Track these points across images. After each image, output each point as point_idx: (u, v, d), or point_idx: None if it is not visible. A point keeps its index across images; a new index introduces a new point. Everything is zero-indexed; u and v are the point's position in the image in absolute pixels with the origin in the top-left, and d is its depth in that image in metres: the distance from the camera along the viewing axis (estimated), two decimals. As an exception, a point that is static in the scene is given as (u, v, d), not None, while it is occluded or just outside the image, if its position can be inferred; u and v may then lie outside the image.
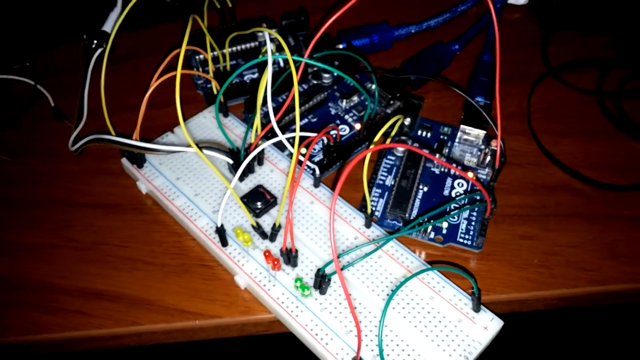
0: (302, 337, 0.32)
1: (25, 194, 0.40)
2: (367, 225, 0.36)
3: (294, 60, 0.33)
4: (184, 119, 0.42)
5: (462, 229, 0.37)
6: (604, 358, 0.70)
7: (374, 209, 0.38)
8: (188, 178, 0.39)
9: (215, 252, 0.36)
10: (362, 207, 0.38)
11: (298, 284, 0.32)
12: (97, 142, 0.37)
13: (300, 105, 0.43)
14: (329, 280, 0.32)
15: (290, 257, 0.33)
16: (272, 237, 0.35)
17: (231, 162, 0.37)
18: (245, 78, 0.46)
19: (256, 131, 0.38)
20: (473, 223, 0.37)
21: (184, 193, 0.38)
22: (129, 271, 0.36)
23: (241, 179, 0.38)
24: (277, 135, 0.36)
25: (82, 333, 0.34)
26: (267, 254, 0.33)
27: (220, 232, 0.34)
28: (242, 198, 0.37)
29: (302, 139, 0.39)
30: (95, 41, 0.48)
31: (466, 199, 0.38)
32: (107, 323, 0.34)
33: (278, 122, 0.36)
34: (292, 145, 0.38)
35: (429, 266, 0.34)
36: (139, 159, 0.39)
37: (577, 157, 0.41)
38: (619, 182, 0.40)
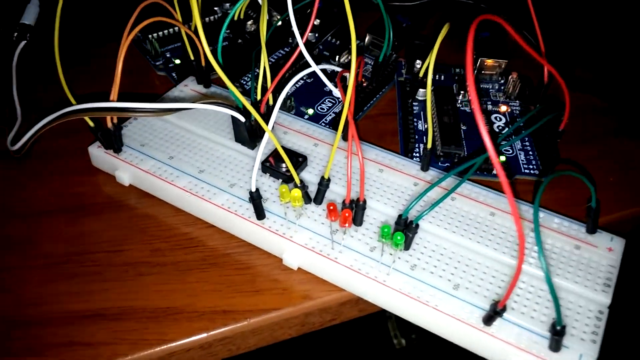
0: (399, 307, 0.25)
1: (-45, 214, 0.29)
2: (425, 167, 0.29)
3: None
4: (156, 97, 0.34)
5: (522, 160, 0.32)
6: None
7: (416, 154, 0.32)
8: (184, 155, 0.30)
9: (249, 230, 0.27)
10: (405, 152, 0.32)
11: (385, 230, 0.24)
12: (67, 117, 0.27)
13: (292, 66, 0.36)
14: (417, 226, 0.25)
15: (357, 211, 0.26)
16: (319, 196, 0.27)
17: (243, 119, 0.29)
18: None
19: (263, 81, 0.30)
20: (530, 152, 0.32)
21: (185, 172, 0.29)
22: (133, 278, 0.26)
23: (252, 145, 0.31)
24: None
25: (87, 370, 0.23)
26: (332, 207, 0.25)
27: (256, 199, 0.26)
28: (264, 162, 0.29)
29: (324, 71, 0.33)
30: (15, 34, 0.38)
31: (512, 130, 0.33)
32: (120, 349, 0.24)
33: (282, 79, 0.29)
34: (327, 78, 0.31)
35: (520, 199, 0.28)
36: (116, 142, 0.30)
37: (594, 83, 0.38)
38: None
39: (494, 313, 0.22)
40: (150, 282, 0.26)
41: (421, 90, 0.35)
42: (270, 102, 0.31)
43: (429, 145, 0.28)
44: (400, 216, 0.25)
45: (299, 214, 0.27)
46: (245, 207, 0.27)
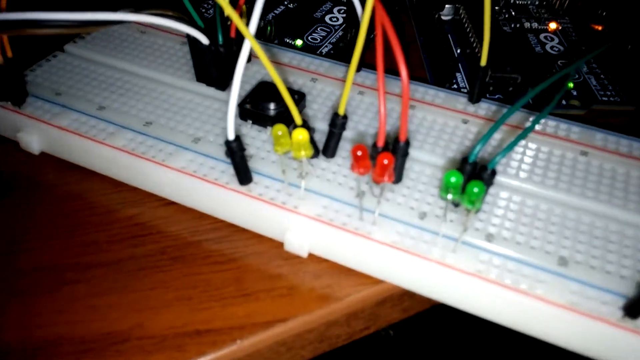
0: (476, 301, 0.16)
1: None
2: (475, 98, 0.20)
3: None
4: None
5: (594, 85, 0.23)
6: None
7: (455, 87, 0.23)
8: (121, 104, 0.21)
9: (229, 203, 0.18)
10: (440, 82, 0.23)
11: (453, 179, 0.15)
12: None
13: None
14: (494, 173, 0.16)
15: (397, 158, 0.17)
16: (331, 143, 0.18)
17: (206, 41, 0.19)
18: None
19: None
20: (602, 76, 0.24)
21: (124, 126, 0.20)
22: (53, 291, 0.17)
23: (222, 84, 0.21)
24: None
25: None
26: (360, 153, 0.15)
27: (236, 152, 0.17)
28: (242, 104, 0.20)
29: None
30: None
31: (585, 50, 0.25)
32: (32, 410, 0.14)
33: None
34: None
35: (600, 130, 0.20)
36: (16, 89, 0.20)
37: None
38: None
39: (652, 299, 0.13)
40: (80, 295, 0.17)
41: (448, 6, 0.26)
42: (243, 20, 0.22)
43: (483, 62, 0.19)
44: (465, 160, 0.16)
45: (305, 172, 0.17)
46: (219, 169, 0.18)
